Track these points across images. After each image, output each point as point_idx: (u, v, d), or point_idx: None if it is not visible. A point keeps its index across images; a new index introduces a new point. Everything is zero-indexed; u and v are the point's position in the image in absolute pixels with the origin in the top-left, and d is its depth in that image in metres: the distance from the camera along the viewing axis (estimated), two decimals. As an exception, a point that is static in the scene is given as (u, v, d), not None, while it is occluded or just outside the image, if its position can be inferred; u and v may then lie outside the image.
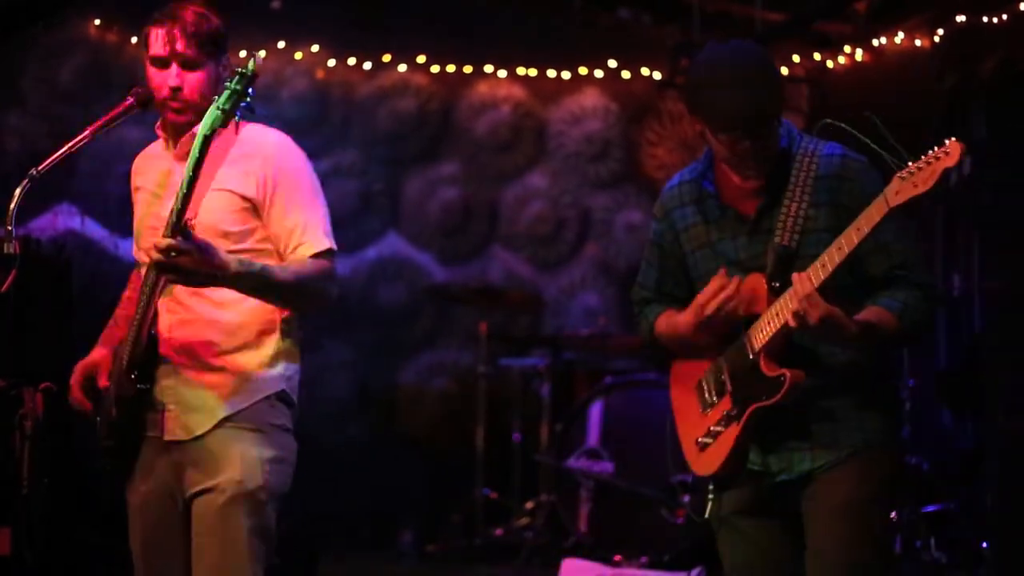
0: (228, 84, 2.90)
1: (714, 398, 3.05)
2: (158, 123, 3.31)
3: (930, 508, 5.81)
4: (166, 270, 2.93)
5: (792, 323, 2.79)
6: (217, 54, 3.20)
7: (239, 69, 2.90)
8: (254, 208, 3.18)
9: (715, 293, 2.95)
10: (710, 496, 3.08)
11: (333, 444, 7.20)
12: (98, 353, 3.35)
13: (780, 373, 2.87)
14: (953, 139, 2.66)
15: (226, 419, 3.17)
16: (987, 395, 5.55)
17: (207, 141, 2.92)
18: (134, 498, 3.27)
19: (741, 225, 3.03)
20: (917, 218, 3.01)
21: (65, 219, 6.65)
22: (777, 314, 2.87)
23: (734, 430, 2.96)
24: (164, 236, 2.92)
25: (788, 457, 2.98)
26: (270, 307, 3.21)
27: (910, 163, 2.70)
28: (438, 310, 7.67)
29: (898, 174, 2.70)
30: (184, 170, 3.03)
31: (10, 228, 3.04)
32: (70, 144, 3.16)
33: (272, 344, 3.23)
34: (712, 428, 3.03)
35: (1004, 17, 6.32)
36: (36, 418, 3.76)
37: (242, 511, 3.13)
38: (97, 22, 6.90)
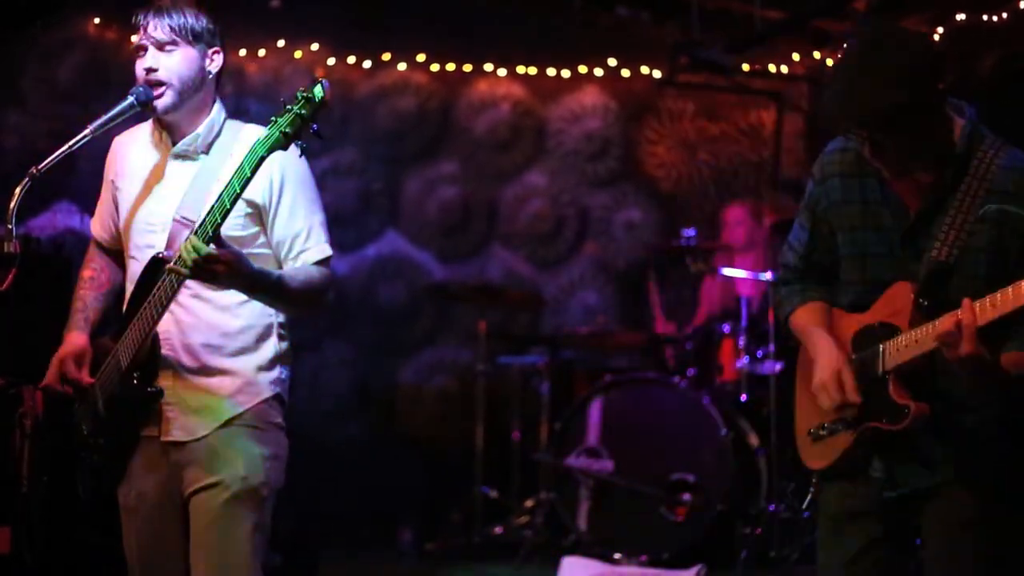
0: (292, 107, 2.87)
1: (856, 396, 2.82)
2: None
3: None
4: (199, 275, 2.93)
5: (936, 345, 2.59)
6: (195, 41, 3.19)
7: (305, 93, 2.86)
8: (258, 213, 3.19)
9: (835, 393, 2.77)
10: (811, 488, 2.95)
11: (333, 443, 7.21)
12: (78, 341, 3.32)
13: (906, 404, 2.69)
14: None
15: (228, 420, 3.18)
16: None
17: (262, 161, 2.89)
18: (128, 499, 3.26)
19: (899, 219, 2.77)
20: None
21: (64, 218, 6.65)
22: (920, 339, 2.66)
23: (847, 438, 2.81)
24: (200, 241, 2.89)
25: (909, 471, 2.79)
26: (268, 311, 3.24)
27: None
28: (437, 309, 7.67)
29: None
30: (200, 169, 3.13)
31: (10, 227, 3.04)
32: (70, 143, 3.15)
33: (270, 348, 3.26)
34: (828, 424, 2.86)
35: (1004, 15, 6.32)
36: (36, 417, 3.74)
37: (246, 507, 3.14)
38: (96, 20, 6.91)
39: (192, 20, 3.20)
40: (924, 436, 2.76)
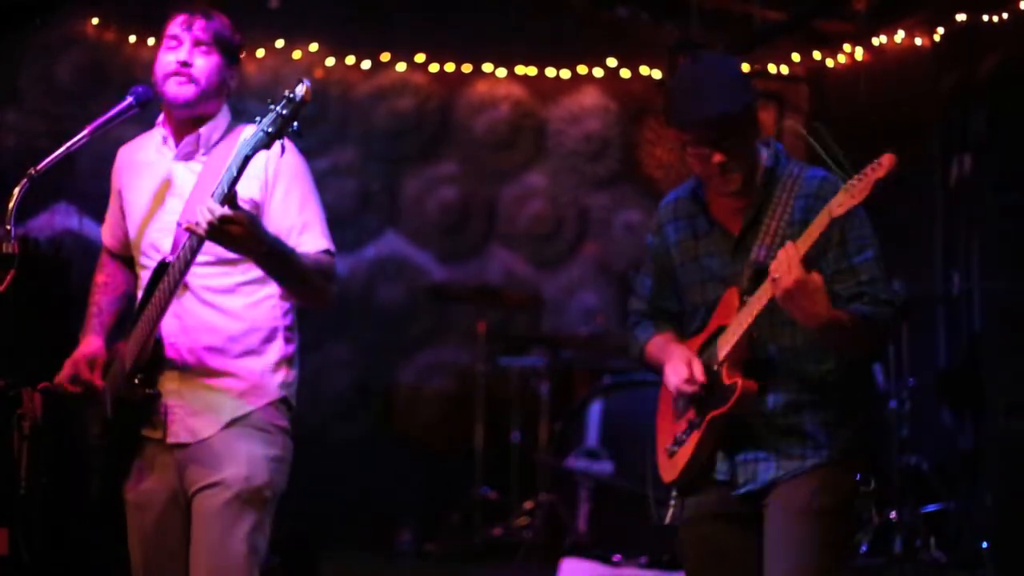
0: (274, 107, 2.89)
1: (683, 407, 3.12)
2: (160, 118, 3.31)
3: (930, 508, 5.81)
4: (215, 237, 2.92)
5: (772, 292, 2.84)
6: (227, 54, 3.24)
7: (287, 93, 2.89)
8: (258, 211, 3.19)
9: (684, 381, 3.03)
10: (671, 502, 3.15)
11: (332, 443, 7.19)
12: (93, 344, 3.36)
13: (733, 382, 2.95)
14: (888, 154, 2.72)
15: (231, 422, 3.20)
16: (987, 394, 5.55)
17: (247, 160, 2.91)
18: (133, 496, 3.28)
19: (726, 242, 3.10)
20: (878, 225, 3.04)
21: (63, 218, 6.64)
22: (741, 323, 2.95)
23: (695, 437, 3.04)
24: (215, 203, 2.90)
25: (754, 468, 3.04)
26: (274, 314, 3.26)
27: (853, 177, 2.77)
28: (437, 309, 7.66)
29: (844, 187, 2.77)
30: (202, 173, 3.16)
31: (9, 227, 3.04)
32: (68, 144, 3.16)
33: (275, 351, 3.27)
34: (678, 436, 3.11)
35: (1004, 16, 6.31)
36: (34, 418, 3.74)
37: (247, 507, 3.16)
38: (95, 20, 6.89)
39: (230, 35, 3.25)
40: (759, 431, 3.00)
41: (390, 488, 7.25)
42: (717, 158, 2.96)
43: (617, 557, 6.04)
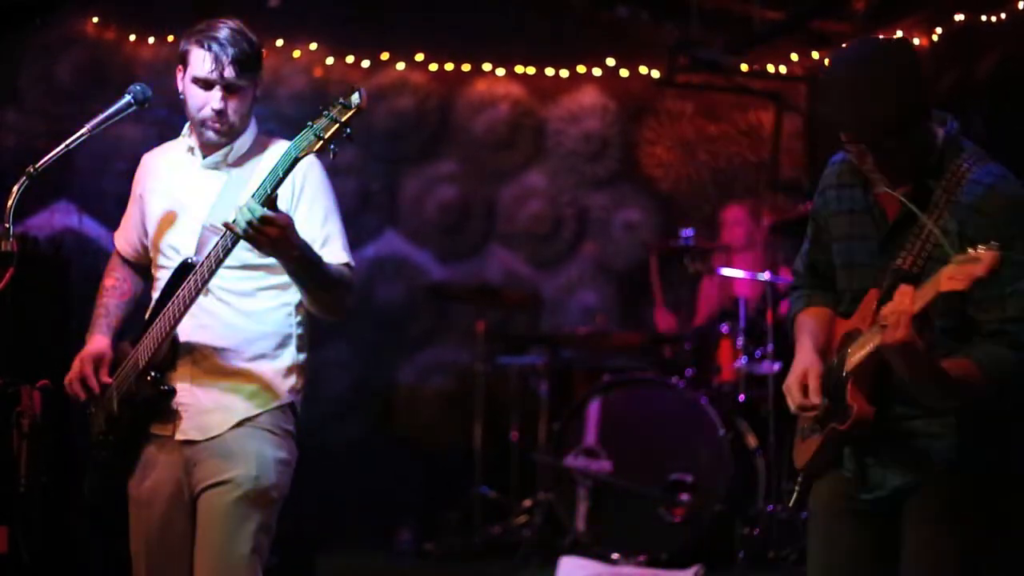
0: (329, 113, 2.89)
1: (817, 397, 2.91)
2: (189, 130, 3.32)
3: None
4: (252, 237, 2.94)
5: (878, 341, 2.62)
6: (257, 74, 3.24)
7: (342, 100, 2.88)
8: None
9: (797, 395, 2.86)
10: (797, 487, 3.01)
11: (331, 443, 7.19)
12: (100, 343, 3.38)
13: (851, 404, 2.74)
14: (988, 250, 2.43)
15: (241, 421, 3.23)
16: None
17: (295, 163, 2.93)
18: (137, 493, 3.30)
19: (878, 230, 2.84)
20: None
21: (63, 217, 6.64)
22: (866, 343, 2.71)
23: (818, 439, 2.88)
24: (256, 203, 2.91)
25: (881, 473, 2.85)
26: (289, 322, 3.30)
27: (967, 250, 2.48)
28: (436, 308, 7.67)
29: (956, 257, 2.48)
30: (229, 180, 3.22)
31: (8, 225, 3.05)
32: (68, 142, 3.18)
33: (288, 357, 3.31)
34: (809, 425, 2.94)
35: (1002, 16, 6.31)
36: (34, 416, 3.75)
37: (254, 507, 3.19)
38: (95, 20, 6.90)
39: (253, 52, 3.21)
40: (885, 436, 2.81)
41: (390, 488, 7.25)
42: (871, 158, 2.72)
43: (616, 556, 6.05)
